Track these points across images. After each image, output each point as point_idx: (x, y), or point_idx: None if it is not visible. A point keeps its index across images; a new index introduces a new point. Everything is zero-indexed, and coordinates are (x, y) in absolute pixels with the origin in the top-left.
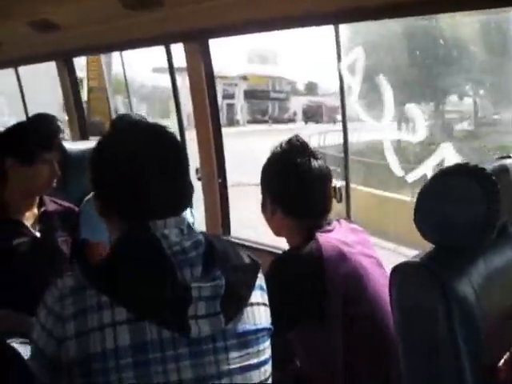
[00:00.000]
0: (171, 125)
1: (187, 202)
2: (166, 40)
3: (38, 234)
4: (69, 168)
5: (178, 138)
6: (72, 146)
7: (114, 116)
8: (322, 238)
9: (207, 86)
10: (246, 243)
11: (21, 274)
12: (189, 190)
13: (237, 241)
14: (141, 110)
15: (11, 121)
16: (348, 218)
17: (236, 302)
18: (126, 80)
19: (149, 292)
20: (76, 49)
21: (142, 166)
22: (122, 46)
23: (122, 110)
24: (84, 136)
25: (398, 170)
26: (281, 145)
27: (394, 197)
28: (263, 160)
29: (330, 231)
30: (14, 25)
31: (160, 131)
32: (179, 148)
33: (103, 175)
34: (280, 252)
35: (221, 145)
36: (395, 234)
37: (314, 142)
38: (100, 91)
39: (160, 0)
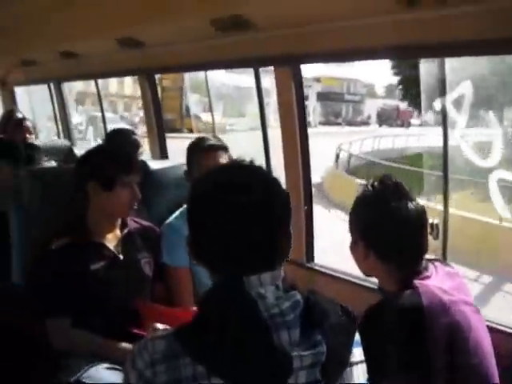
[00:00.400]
0: (245, 123)
1: (285, 255)
2: (254, 63)
3: (121, 256)
4: (149, 188)
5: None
6: (153, 165)
7: (184, 113)
8: (421, 285)
9: (298, 111)
10: (332, 273)
11: (103, 296)
12: (288, 241)
13: (321, 269)
14: (217, 109)
15: None
16: (444, 258)
17: (337, 367)
18: (206, 79)
19: (248, 361)
20: (159, 66)
21: (239, 215)
22: (207, 66)
23: (194, 108)
24: (164, 154)
25: (503, 212)
26: (373, 185)
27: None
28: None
29: (427, 277)
30: (98, 39)
31: (263, 177)
32: (284, 195)
33: (197, 223)
34: (370, 285)
35: (308, 174)
36: None
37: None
38: (173, 90)
39: (252, 23)
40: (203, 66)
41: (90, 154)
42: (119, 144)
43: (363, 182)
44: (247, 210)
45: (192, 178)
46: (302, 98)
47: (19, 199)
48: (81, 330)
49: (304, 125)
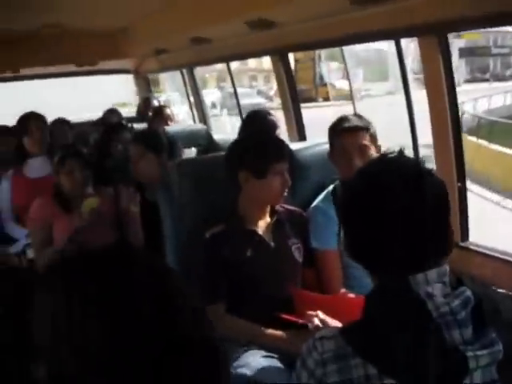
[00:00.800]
0: (381, 88)
1: (450, 250)
2: (396, 34)
3: (272, 243)
4: (291, 171)
5: None
6: (293, 147)
7: (318, 82)
8: None
9: (447, 87)
10: (488, 252)
11: (256, 283)
12: (451, 235)
13: (477, 249)
14: (356, 74)
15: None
16: None
17: None
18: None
19: (421, 362)
20: (292, 45)
21: (398, 216)
22: (343, 41)
23: (327, 77)
24: (302, 136)
25: None
26: None
27: None
28: None
29: None
30: (227, 24)
31: (421, 175)
32: (440, 187)
33: (354, 224)
34: None
35: (460, 148)
36: None
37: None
38: (306, 61)
39: None
40: (338, 42)
41: (240, 142)
42: (260, 127)
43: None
44: (406, 210)
45: (335, 160)
46: (450, 70)
47: (168, 190)
48: (234, 316)
49: (454, 97)
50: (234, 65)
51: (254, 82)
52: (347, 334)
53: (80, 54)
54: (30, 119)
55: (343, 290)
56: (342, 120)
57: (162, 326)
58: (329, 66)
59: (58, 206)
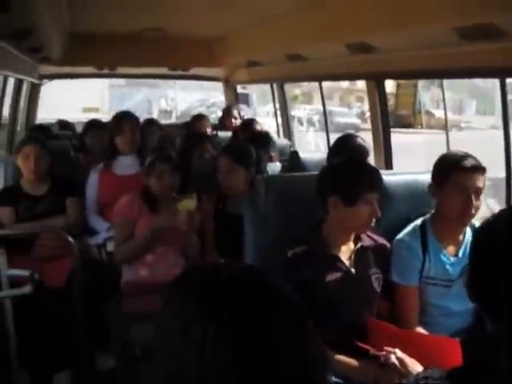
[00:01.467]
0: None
1: None
2: (501, 73)
3: (353, 270)
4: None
5: None
6: (387, 177)
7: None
8: None
9: None
10: None
11: (333, 308)
12: None
13: None
14: (469, 105)
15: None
16: None
17: None
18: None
19: None
20: (390, 71)
21: None
22: (443, 74)
23: (428, 105)
24: (388, 164)
25: None
26: None
27: None
28: None
29: None
30: (327, 44)
31: None
32: None
33: (489, 269)
34: None
35: None
36: None
37: None
38: (408, 87)
39: (504, 31)
40: (438, 74)
41: (334, 167)
42: (351, 153)
43: None
44: None
45: (443, 196)
46: None
47: (254, 204)
48: None
49: None
50: (344, 84)
51: (359, 103)
52: (456, 380)
53: (175, 58)
54: (124, 119)
55: (418, 327)
56: (459, 157)
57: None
58: (433, 94)
59: (144, 204)
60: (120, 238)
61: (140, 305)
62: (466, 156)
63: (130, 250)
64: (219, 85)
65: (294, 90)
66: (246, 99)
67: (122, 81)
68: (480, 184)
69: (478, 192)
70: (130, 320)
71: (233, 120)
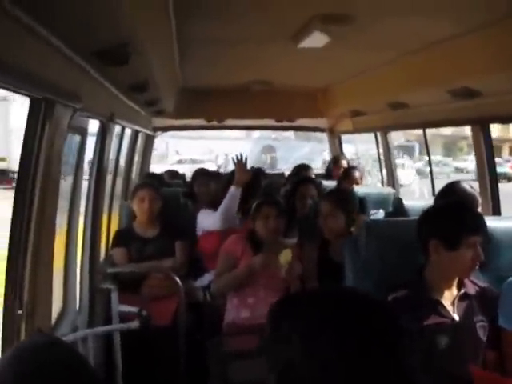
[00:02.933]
0: None
1: None
2: None
3: (456, 316)
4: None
5: None
6: (489, 222)
7: None
8: None
9: None
10: None
11: (432, 355)
12: None
13: None
14: None
15: None
16: None
17: None
18: None
19: None
20: (496, 116)
21: None
22: None
23: None
24: (496, 211)
25: None
26: None
27: None
28: None
29: None
30: (429, 90)
31: None
32: None
33: None
34: None
35: None
36: None
37: None
38: None
39: None
40: None
41: (435, 209)
42: (460, 201)
43: None
44: None
45: None
46: None
47: (355, 248)
48: None
49: None
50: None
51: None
52: None
53: (281, 110)
54: None
55: None
56: None
57: None
58: None
59: (248, 245)
60: (220, 270)
61: (240, 344)
62: None
63: (226, 281)
64: None
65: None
66: (410, 151)
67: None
68: None
69: None
70: (230, 359)
71: (341, 169)
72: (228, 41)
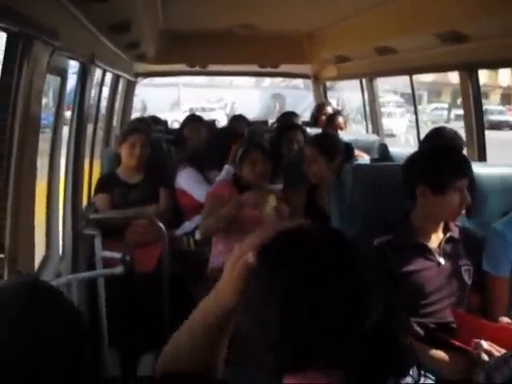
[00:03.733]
0: None
1: None
2: None
3: (442, 260)
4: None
5: None
6: (477, 169)
7: None
8: None
9: None
10: None
11: (419, 298)
12: None
13: None
14: None
15: None
16: None
17: None
18: None
19: None
20: (484, 61)
21: None
22: None
23: None
24: (482, 157)
25: None
26: None
27: None
28: None
29: None
30: (416, 34)
31: None
32: None
33: None
34: None
35: None
36: None
37: None
38: None
39: None
40: None
41: (421, 155)
42: (445, 145)
43: None
44: None
45: None
46: None
47: (340, 192)
48: None
49: None
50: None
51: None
52: None
53: (265, 55)
54: None
55: (506, 319)
56: None
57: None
58: None
59: (236, 191)
60: (206, 213)
61: None
62: None
63: (214, 221)
64: None
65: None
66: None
67: None
68: None
69: None
70: None
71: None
72: None
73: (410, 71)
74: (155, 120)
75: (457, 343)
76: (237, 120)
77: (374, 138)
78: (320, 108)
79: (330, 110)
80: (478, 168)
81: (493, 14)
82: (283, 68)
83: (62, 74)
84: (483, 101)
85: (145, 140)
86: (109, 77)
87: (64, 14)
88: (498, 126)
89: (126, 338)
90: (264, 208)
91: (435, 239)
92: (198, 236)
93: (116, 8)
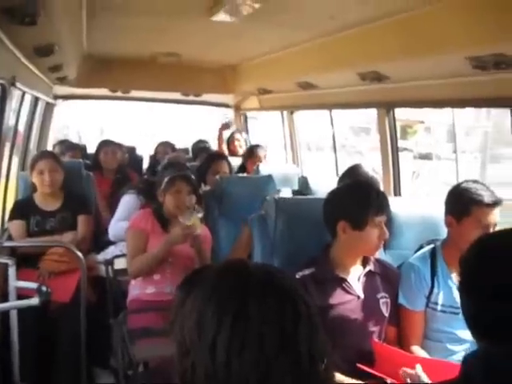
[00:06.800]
0: None
1: None
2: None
3: (361, 293)
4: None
5: None
6: (394, 203)
7: None
8: None
9: None
10: None
11: (339, 331)
12: None
13: None
14: None
15: None
16: None
17: None
18: None
19: None
20: (401, 100)
21: None
22: (455, 103)
23: None
24: (398, 192)
25: None
26: None
27: None
28: None
29: None
30: (339, 73)
31: None
32: None
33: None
34: None
35: None
36: None
37: None
38: None
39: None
40: (450, 103)
41: (341, 191)
42: (364, 182)
43: None
44: None
45: (460, 228)
46: None
47: (264, 224)
48: None
49: None
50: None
51: None
52: None
53: (188, 84)
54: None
55: (418, 348)
56: (480, 191)
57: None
58: None
59: (157, 222)
60: (133, 250)
61: (145, 321)
62: (484, 189)
63: (144, 264)
64: None
65: None
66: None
67: None
68: (497, 217)
69: (495, 225)
70: (134, 336)
71: (236, 144)
72: (138, 10)
73: (329, 106)
74: (73, 146)
75: (370, 370)
76: (162, 145)
77: (294, 169)
78: (232, 137)
79: (241, 140)
80: (394, 202)
81: (411, 56)
82: (205, 97)
83: None
84: None
85: (53, 165)
86: (28, 97)
87: None
88: None
89: (40, 371)
90: (195, 229)
91: (354, 273)
92: (117, 265)
93: (42, 31)
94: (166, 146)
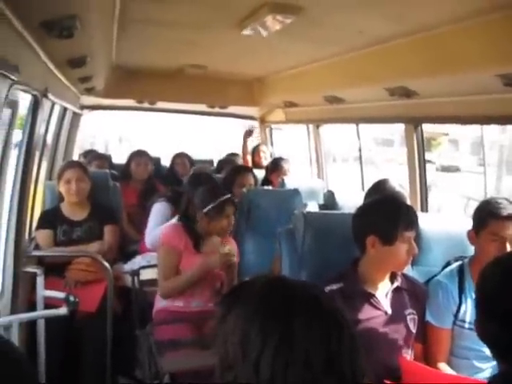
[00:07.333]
0: None
1: None
2: None
3: (389, 309)
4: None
5: None
6: (423, 220)
7: None
8: None
9: None
10: None
11: (367, 346)
12: None
13: None
14: None
15: None
16: None
17: None
18: None
19: None
20: (429, 116)
21: None
22: (483, 120)
23: None
24: (424, 208)
25: None
26: None
27: None
28: None
29: None
30: (367, 88)
31: None
32: None
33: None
34: None
35: None
36: None
37: None
38: None
39: None
40: (477, 120)
41: (370, 207)
42: (393, 197)
43: None
44: None
45: (481, 242)
46: None
47: (292, 239)
48: None
49: None
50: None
51: None
52: None
53: (214, 96)
54: None
55: (445, 365)
56: (498, 204)
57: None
58: None
59: (190, 240)
60: (166, 270)
61: (172, 333)
62: (504, 203)
63: (175, 287)
64: None
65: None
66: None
67: None
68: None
69: None
70: (161, 348)
71: (261, 156)
72: (168, 23)
73: (356, 121)
74: (99, 155)
75: None
76: (179, 157)
77: (320, 182)
78: (256, 149)
79: (266, 151)
80: (421, 218)
81: (440, 73)
82: (231, 109)
83: (13, 106)
84: None
85: (80, 175)
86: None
87: (25, 48)
88: None
89: (65, 382)
90: (233, 257)
91: (382, 288)
92: (143, 276)
93: (77, 44)
94: (183, 157)
